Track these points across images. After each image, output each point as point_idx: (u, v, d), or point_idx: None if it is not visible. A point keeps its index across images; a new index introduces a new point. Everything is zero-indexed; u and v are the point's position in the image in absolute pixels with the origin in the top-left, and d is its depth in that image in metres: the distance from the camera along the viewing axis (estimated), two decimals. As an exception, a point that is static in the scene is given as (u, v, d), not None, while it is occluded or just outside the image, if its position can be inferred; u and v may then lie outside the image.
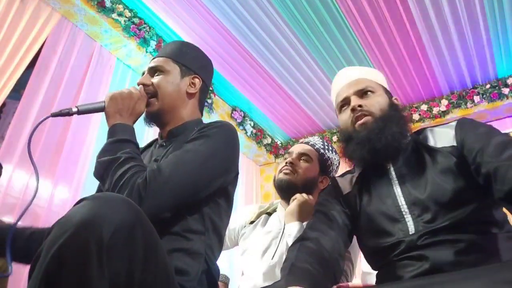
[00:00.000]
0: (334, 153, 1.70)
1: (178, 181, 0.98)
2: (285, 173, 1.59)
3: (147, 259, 0.77)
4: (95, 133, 2.89)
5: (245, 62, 3.63)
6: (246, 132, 4.40)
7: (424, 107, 4.05)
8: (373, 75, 1.24)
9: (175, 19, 3.20)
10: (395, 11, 3.02)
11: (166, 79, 1.19)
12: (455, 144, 1.04)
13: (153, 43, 3.24)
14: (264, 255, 1.53)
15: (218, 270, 1.12)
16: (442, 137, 1.08)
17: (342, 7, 3.00)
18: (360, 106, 1.13)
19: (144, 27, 3.18)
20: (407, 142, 1.13)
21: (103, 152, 1.03)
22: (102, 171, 1.01)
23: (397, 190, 1.06)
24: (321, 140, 1.71)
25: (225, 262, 3.78)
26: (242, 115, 4.32)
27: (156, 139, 1.30)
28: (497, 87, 3.74)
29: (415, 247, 0.96)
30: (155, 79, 1.20)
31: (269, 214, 1.68)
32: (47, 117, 1.09)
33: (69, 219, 0.71)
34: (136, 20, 3.12)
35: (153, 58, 1.26)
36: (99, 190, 1.22)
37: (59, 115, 1.10)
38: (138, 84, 1.20)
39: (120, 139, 1.05)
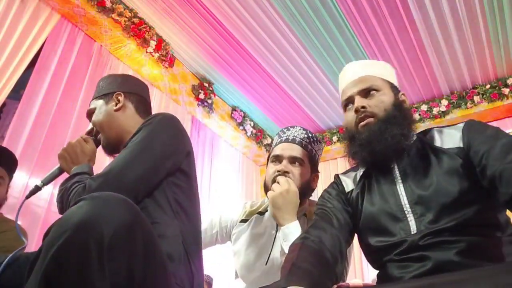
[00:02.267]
0: (318, 143, 1.59)
1: (126, 174, 1.02)
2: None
3: (147, 258, 0.77)
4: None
5: (245, 62, 3.63)
6: (246, 132, 4.40)
7: (424, 107, 4.05)
8: (380, 71, 1.22)
9: (175, 19, 3.20)
10: (395, 11, 3.02)
11: (96, 114, 1.32)
12: (461, 145, 1.03)
13: (153, 43, 3.24)
14: (258, 261, 1.48)
15: (200, 254, 1.12)
16: (449, 138, 1.07)
17: (342, 7, 3.00)
18: (363, 107, 1.12)
19: (144, 27, 3.18)
20: (412, 142, 1.12)
21: (58, 193, 1.13)
22: (60, 206, 1.10)
23: (400, 189, 1.06)
24: (304, 132, 1.56)
25: (214, 262, 3.79)
26: (242, 115, 4.32)
27: None
28: (497, 87, 3.75)
29: (416, 247, 0.95)
30: (92, 121, 1.33)
31: (261, 213, 1.60)
32: (24, 201, 1.21)
33: (68, 220, 0.71)
34: (136, 20, 3.12)
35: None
36: None
37: (33, 195, 1.23)
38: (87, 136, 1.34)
39: (68, 177, 1.15)
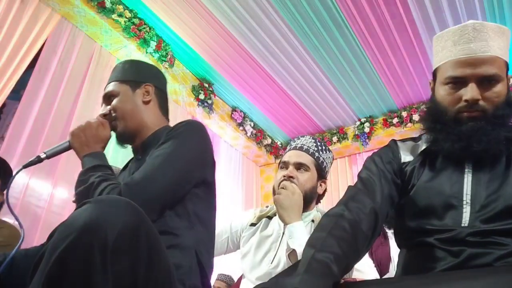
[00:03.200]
0: (327, 152, 1.65)
1: (152, 187, 1.00)
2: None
3: (151, 261, 0.77)
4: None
5: (245, 62, 3.63)
6: (246, 133, 4.40)
7: (424, 107, 4.05)
8: (504, 47, 1.00)
9: (175, 19, 3.20)
10: (395, 11, 3.02)
11: (119, 99, 1.24)
12: None
13: (153, 44, 3.24)
14: (264, 259, 1.52)
15: (211, 263, 1.12)
16: None
17: (342, 7, 3.00)
18: (477, 101, 0.96)
19: (144, 28, 3.18)
20: None
21: (78, 184, 1.08)
22: (82, 200, 1.04)
23: (468, 177, 0.97)
24: (313, 141, 1.64)
25: (227, 264, 3.78)
26: (242, 115, 4.32)
27: (132, 159, 1.33)
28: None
29: (461, 241, 0.89)
30: (112, 104, 1.24)
31: (270, 217, 1.66)
32: (20, 170, 1.14)
33: (72, 223, 0.71)
34: (136, 21, 3.12)
35: (104, 88, 1.31)
36: None
37: (30, 165, 1.14)
38: (100, 117, 1.25)
39: (89, 167, 1.09)
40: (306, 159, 1.57)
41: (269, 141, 4.73)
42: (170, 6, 3.07)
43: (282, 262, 1.45)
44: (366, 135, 4.35)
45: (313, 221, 1.56)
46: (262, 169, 4.98)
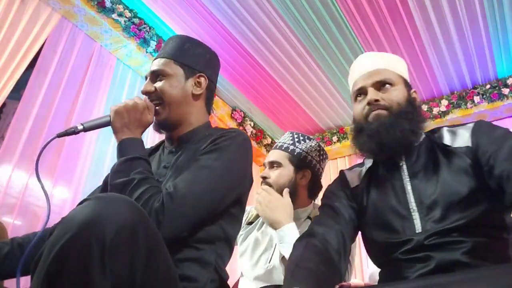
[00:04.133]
0: (306, 141, 1.67)
1: (195, 202, 0.96)
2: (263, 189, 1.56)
3: (149, 260, 0.77)
4: (95, 133, 2.89)
5: (245, 62, 3.63)
6: (246, 133, 4.40)
7: (424, 107, 4.04)
8: (395, 65, 1.19)
9: (175, 19, 3.20)
10: (395, 11, 3.02)
11: (170, 83, 1.14)
12: (470, 145, 1.03)
13: (153, 43, 3.24)
14: (261, 259, 1.51)
15: (227, 277, 1.11)
16: (458, 137, 1.07)
17: (342, 6, 3.00)
18: (377, 100, 1.10)
19: (144, 27, 3.18)
20: (421, 140, 1.11)
21: (115, 173, 1.01)
22: (117, 193, 0.99)
23: (408, 187, 1.05)
24: (290, 136, 1.69)
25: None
26: (242, 115, 4.32)
27: (163, 142, 1.26)
28: (497, 88, 3.74)
29: (421, 246, 0.94)
30: (159, 85, 1.15)
31: None
32: (53, 138, 1.04)
33: (71, 219, 0.71)
34: (136, 20, 3.12)
35: (154, 59, 1.20)
36: (103, 191, 1.19)
37: (66, 135, 1.05)
38: (142, 93, 1.16)
39: (130, 158, 1.01)
40: (278, 155, 1.63)
41: (269, 141, 4.73)
42: (170, 6, 3.07)
43: (277, 265, 1.44)
44: (366, 135, 4.34)
45: (310, 218, 1.54)
46: (262, 169, 4.96)
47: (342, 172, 1.25)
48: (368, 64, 1.21)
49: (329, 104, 4.20)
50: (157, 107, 1.14)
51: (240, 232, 1.66)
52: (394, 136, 1.06)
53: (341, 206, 1.12)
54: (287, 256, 1.29)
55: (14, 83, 2.46)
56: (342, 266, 1.00)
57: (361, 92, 1.16)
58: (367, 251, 1.15)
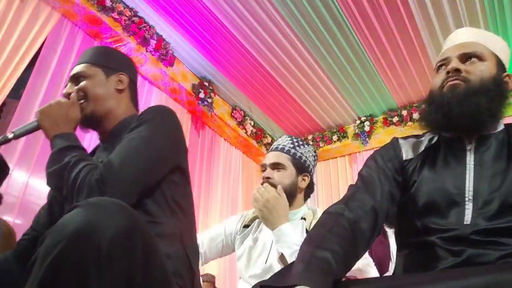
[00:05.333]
0: (305, 146, 1.68)
1: (131, 169, 0.98)
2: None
3: (146, 263, 0.76)
4: (95, 132, 2.89)
5: (245, 61, 3.63)
6: (246, 132, 4.40)
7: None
8: (490, 42, 1.08)
9: (175, 18, 3.20)
10: (396, 10, 3.02)
11: (91, 81, 1.19)
12: None
13: (153, 42, 3.24)
14: (258, 260, 1.53)
15: (197, 250, 1.11)
16: None
17: (343, 6, 3.00)
18: (457, 70, 1.01)
19: (144, 26, 3.18)
20: (499, 130, 1.02)
21: (50, 163, 1.03)
22: (55, 180, 1.01)
23: (470, 173, 0.96)
24: (289, 139, 1.69)
25: (225, 267, 3.79)
26: (242, 114, 4.32)
27: (98, 146, 1.29)
28: (497, 87, 3.74)
29: (464, 239, 0.88)
30: (80, 84, 1.19)
31: None
32: None
33: (63, 228, 0.69)
34: (136, 19, 3.12)
35: (72, 68, 1.25)
36: (51, 200, 1.20)
37: None
38: (64, 96, 1.20)
39: (63, 147, 1.04)
40: (282, 158, 1.63)
41: (269, 139, 4.73)
42: (170, 5, 3.07)
43: (275, 263, 1.45)
44: (366, 134, 4.34)
45: (304, 218, 1.56)
46: (261, 169, 4.97)
47: (395, 140, 1.13)
48: (461, 36, 1.10)
49: (329, 103, 4.19)
50: (82, 104, 1.17)
51: (237, 237, 1.67)
52: (466, 109, 0.96)
53: (384, 178, 1.02)
54: (285, 253, 1.30)
55: (14, 82, 2.47)
56: (365, 249, 0.93)
57: (444, 62, 1.07)
58: (397, 227, 1.08)
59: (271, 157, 1.65)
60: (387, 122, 4.26)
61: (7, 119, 3.50)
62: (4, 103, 2.72)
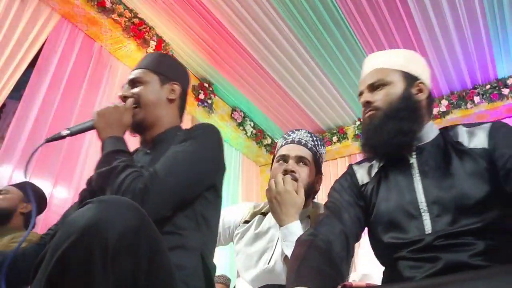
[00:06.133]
0: (323, 147, 1.62)
1: (174, 181, 1.02)
2: None
3: (151, 262, 0.77)
4: (94, 133, 2.89)
5: (245, 62, 3.63)
6: (246, 133, 4.40)
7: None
8: (393, 60, 1.18)
9: (175, 19, 3.20)
10: (395, 11, 3.02)
11: (146, 88, 1.24)
12: (486, 146, 0.99)
13: (153, 44, 3.24)
14: (260, 260, 1.47)
15: (215, 266, 1.13)
16: (475, 137, 1.03)
17: (342, 7, 3.00)
18: (368, 102, 1.13)
19: (144, 28, 3.18)
20: (435, 137, 1.09)
21: (100, 164, 1.08)
22: (102, 181, 1.05)
23: (418, 185, 1.02)
24: (309, 135, 1.60)
25: (225, 260, 3.78)
26: (242, 115, 4.32)
27: (137, 148, 1.33)
28: (497, 88, 3.74)
29: (430, 247, 0.92)
30: (136, 90, 1.24)
31: (264, 214, 1.60)
32: (42, 144, 1.14)
33: (74, 223, 0.71)
34: (136, 21, 3.12)
35: (132, 71, 1.30)
36: (83, 200, 1.23)
37: (53, 140, 1.15)
38: (120, 97, 1.25)
39: (113, 150, 1.09)
40: (306, 153, 1.53)
41: (269, 141, 4.73)
42: (170, 6, 3.07)
43: (278, 263, 1.40)
44: (366, 135, 4.34)
45: (308, 217, 1.52)
46: (262, 169, 4.98)
47: (351, 168, 1.21)
48: (367, 66, 1.22)
49: (329, 104, 4.20)
50: (134, 109, 1.23)
51: (236, 231, 1.61)
52: (380, 137, 1.07)
53: (347, 204, 1.10)
54: (289, 254, 1.25)
55: (14, 83, 2.47)
56: (345, 268, 0.97)
57: (361, 95, 1.19)
58: (373, 249, 1.13)
59: (296, 150, 1.53)
60: (387, 123, 4.26)
61: (7, 120, 3.50)
62: (4, 104, 2.73)
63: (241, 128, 4.33)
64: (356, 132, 4.41)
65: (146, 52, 3.22)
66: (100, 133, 1.15)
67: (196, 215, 1.09)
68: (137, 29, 3.12)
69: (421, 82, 1.15)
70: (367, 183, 1.14)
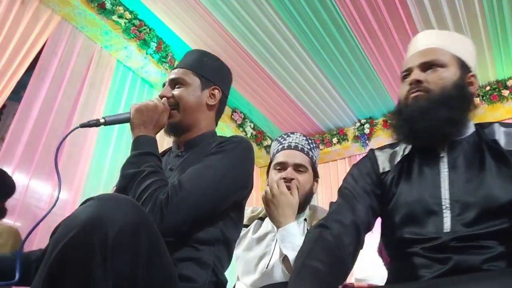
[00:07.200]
0: (317, 149, 1.62)
1: (198, 197, 1.00)
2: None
3: (150, 260, 0.78)
4: (95, 134, 2.90)
5: (244, 63, 3.63)
6: (246, 134, 4.40)
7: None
8: (453, 44, 1.09)
9: (175, 20, 3.20)
10: (395, 12, 3.02)
11: (187, 91, 1.21)
12: None
13: (153, 45, 3.24)
14: (259, 264, 1.48)
15: (226, 281, 1.12)
16: (511, 138, 0.98)
17: (342, 8, 3.00)
18: (419, 81, 1.03)
19: (145, 29, 3.18)
20: (470, 133, 1.03)
21: (128, 164, 1.07)
22: (126, 183, 1.04)
23: (445, 182, 0.97)
24: (305, 139, 1.60)
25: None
26: (242, 116, 4.33)
27: (170, 148, 1.32)
28: (497, 89, 3.74)
29: (446, 247, 0.89)
30: (176, 91, 1.21)
31: (262, 219, 1.61)
32: (76, 128, 1.11)
33: (75, 219, 0.72)
34: (136, 22, 3.12)
35: (174, 69, 1.27)
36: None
37: (88, 126, 1.11)
38: (160, 97, 1.22)
39: (143, 152, 1.07)
40: (303, 159, 1.53)
41: (269, 142, 4.73)
42: (170, 7, 3.07)
43: (277, 267, 1.40)
44: (366, 136, 4.34)
45: (305, 219, 1.52)
46: (262, 171, 4.97)
47: (372, 153, 1.14)
48: (421, 42, 1.11)
49: (329, 106, 4.20)
50: (172, 111, 1.20)
51: None
52: (427, 123, 0.98)
53: (363, 193, 1.04)
54: (289, 255, 1.24)
55: (15, 84, 2.47)
56: (351, 262, 0.94)
57: (408, 72, 1.08)
58: (383, 240, 1.09)
59: (296, 156, 1.52)
60: (387, 125, 4.26)
61: (7, 122, 3.50)
62: (4, 106, 2.73)
63: (241, 129, 4.33)
64: (356, 134, 4.41)
65: (146, 53, 3.23)
66: (133, 129, 1.13)
67: (216, 231, 1.07)
68: (138, 31, 3.12)
69: (473, 75, 1.07)
70: (388, 172, 1.08)
